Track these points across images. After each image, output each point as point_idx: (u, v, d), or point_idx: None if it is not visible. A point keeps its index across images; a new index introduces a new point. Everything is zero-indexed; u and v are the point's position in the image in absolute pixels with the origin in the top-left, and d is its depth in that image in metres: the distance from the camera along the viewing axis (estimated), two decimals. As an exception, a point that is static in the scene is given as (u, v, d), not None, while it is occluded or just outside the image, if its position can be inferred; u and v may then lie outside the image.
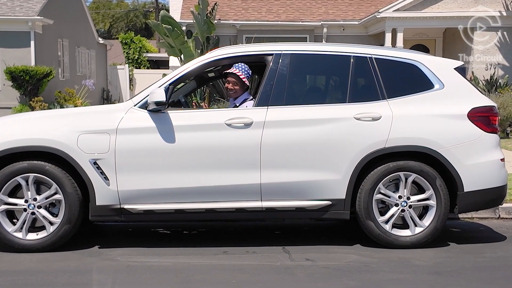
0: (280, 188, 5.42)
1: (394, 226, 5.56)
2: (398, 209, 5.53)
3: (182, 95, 6.49)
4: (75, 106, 18.15)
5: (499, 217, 6.97)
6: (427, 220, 5.54)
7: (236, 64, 5.94)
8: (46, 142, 5.34)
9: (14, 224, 5.42)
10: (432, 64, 5.77)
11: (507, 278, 4.84)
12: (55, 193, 5.38)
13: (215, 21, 17.39)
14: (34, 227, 5.46)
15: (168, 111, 5.48)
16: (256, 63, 6.07)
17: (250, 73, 6.02)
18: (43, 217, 5.39)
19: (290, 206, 5.46)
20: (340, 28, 20.08)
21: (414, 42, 20.01)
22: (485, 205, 5.91)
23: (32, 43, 19.35)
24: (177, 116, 5.47)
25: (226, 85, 6.03)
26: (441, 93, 5.65)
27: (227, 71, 6.00)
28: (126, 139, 5.36)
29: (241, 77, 5.91)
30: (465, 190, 5.52)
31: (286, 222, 6.84)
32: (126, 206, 5.38)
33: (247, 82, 5.96)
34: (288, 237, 6.22)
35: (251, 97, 5.94)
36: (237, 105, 5.92)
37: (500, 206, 6.55)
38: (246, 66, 5.97)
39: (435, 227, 5.53)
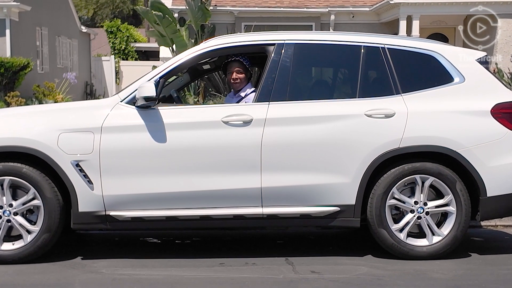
0: (282, 193, 5.43)
1: (410, 235, 5.56)
2: (414, 216, 5.54)
3: (174, 89, 6.50)
4: (55, 102, 18.15)
5: (525, 225, 6.98)
6: (446, 228, 5.55)
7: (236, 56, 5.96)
8: (22, 141, 5.35)
9: (-13, 232, 5.42)
10: (451, 55, 5.78)
11: (534, 292, 4.85)
12: (33, 199, 5.38)
13: (211, 8, 17.38)
14: (10, 236, 5.46)
15: (159, 107, 5.48)
16: (256, 54, 6.08)
17: (249, 65, 6.04)
18: (20, 225, 5.40)
19: (294, 212, 5.46)
20: (349, 15, 20.07)
21: (432, 30, 20.01)
22: (510, 212, 5.91)
23: (8, 32, 19.32)
24: (168, 113, 5.48)
25: (229, 76, 6.03)
26: (461, 87, 5.66)
27: (230, 59, 6.00)
28: (112, 139, 5.37)
29: (245, 63, 5.94)
30: (488, 195, 5.53)
31: (289, 231, 6.84)
32: (112, 213, 5.38)
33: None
34: (291, 247, 6.23)
35: (254, 89, 5.94)
36: (243, 96, 5.93)
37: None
38: (245, 58, 6.00)
39: (454, 236, 5.53)
